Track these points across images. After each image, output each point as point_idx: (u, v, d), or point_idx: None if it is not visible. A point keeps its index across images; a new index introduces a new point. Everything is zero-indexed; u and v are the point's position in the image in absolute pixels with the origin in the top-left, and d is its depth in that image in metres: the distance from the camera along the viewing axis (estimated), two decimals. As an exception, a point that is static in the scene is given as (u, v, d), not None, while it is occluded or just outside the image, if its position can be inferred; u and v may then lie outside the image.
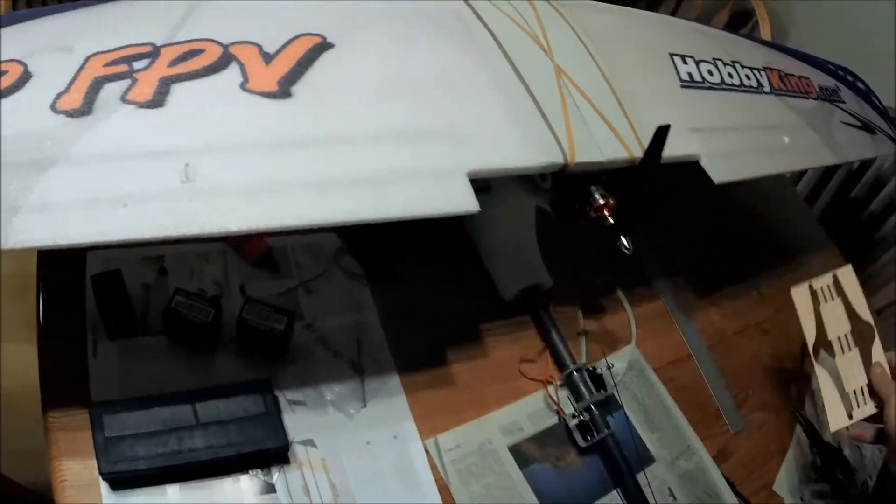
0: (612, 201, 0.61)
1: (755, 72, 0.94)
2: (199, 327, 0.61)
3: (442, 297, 0.75)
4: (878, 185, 1.62)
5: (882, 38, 1.69)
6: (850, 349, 0.78)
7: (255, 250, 0.69)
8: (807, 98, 1.04)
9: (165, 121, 0.49)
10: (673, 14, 1.87)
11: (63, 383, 0.60)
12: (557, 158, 0.59)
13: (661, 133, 0.58)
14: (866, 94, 1.30)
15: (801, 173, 1.69)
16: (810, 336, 0.78)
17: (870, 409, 0.74)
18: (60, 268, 0.64)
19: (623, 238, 0.61)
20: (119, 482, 0.55)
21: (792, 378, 0.93)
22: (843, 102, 1.15)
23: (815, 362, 0.77)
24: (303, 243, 0.73)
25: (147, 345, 0.63)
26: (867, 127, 1.18)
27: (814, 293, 0.80)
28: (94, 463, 0.55)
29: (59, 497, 0.55)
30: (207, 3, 0.58)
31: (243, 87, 0.51)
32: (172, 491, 0.56)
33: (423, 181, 0.53)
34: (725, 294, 0.97)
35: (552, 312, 0.76)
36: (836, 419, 0.74)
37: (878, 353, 0.77)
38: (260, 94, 0.52)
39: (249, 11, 0.58)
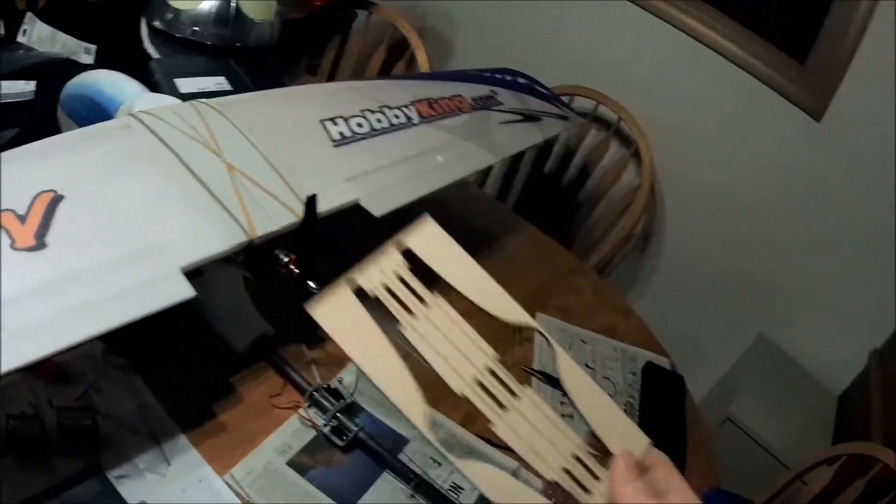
0: (293, 257, 1.02)
1: (403, 109, 1.38)
2: (36, 439, 0.93)
3: (195, 364, 1.11)
4: (567, 158, 2.22)
5: (535, 33, 2.30)
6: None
7: (48, 370, 1.02)
8: (460, 114, 1.51)
9: None
10: (339, 57, 2.39)
11: None
12: (242, 238, 0.97)
13: (311, 201, 0.99)
14: (528, 87, 1.83)
15: (485, 177, 2.26)
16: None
17: None
18: None
19: (309, 283, 1.02)
20: None
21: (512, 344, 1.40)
22: (501, 104, 1.65)
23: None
24: (79, 354, 1.06)
25: (4, 465, 0.93)
26: (530, 117, 1.69)
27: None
28: None
29: None
30: None
31: (13, 247, 0.83)
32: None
33: (148, 287, 0.88)
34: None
35: (282, 353, 1.14)
36: None
37: None
38: (25, 250, 0.84)
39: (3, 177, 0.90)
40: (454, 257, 0.79)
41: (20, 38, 1.56)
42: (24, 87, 1.37)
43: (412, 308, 0.71)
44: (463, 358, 0.71)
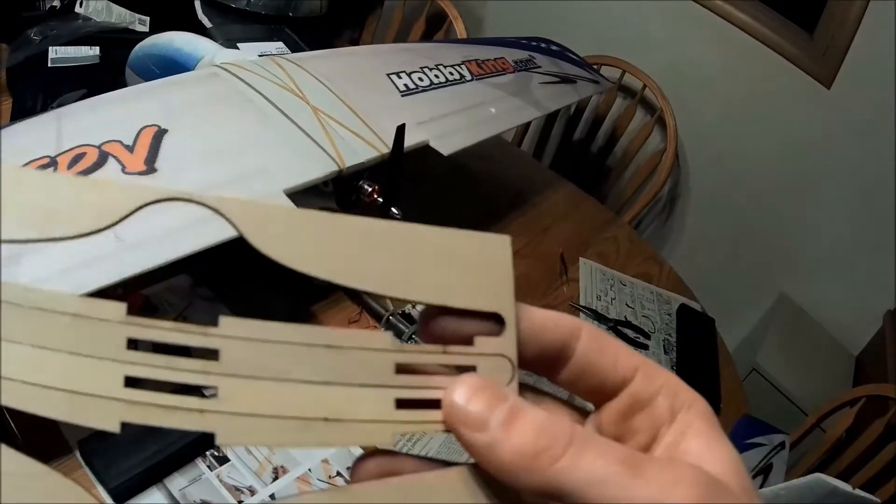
0: (376, 187, 1.15)
1: (455, 67, 1.53)
2: None
3: (278, 294, 1.23)
4: (596, 124, 2.36)
5: (562, 7, 2.45)
6: None
7: (134, 302, 1.16)
8: (504, 74, 1.65)
9: None
10: (377, 28, 2.54)
11: (39, 440, 0.96)
12: (334, 168, 1.11)
13: (400, 130, 1.12)
14: (561, 53, 1.97)
15: (520, 141, 2.40)
16: None
17: None
18: None
19: (392, 209, 1.15)
20: (121, 494, 0.93)
21: (559, 284, 1.54)
22: (539, 67, 1.79)
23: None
24: (167, 286, 1.18)
25: None
26: (566, 79, 1.83)
27: None
28: (95, 492, 0.91)
29: None
30: (67, 116, 1.03)
31: (124, 171, 0.96)
32: (159, 489, 0.96)
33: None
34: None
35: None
36: None
37: None
38: (136, 174, 0.97)
39: (101, 118, 1.03)
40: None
41: (77, 10, 1.68)
42: (88, 52, 1.49)
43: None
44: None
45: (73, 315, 0.28)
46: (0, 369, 0.26)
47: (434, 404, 0.29)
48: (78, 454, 0.96)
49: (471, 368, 0.30)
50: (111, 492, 0.93)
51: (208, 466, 1.01)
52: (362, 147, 1.17)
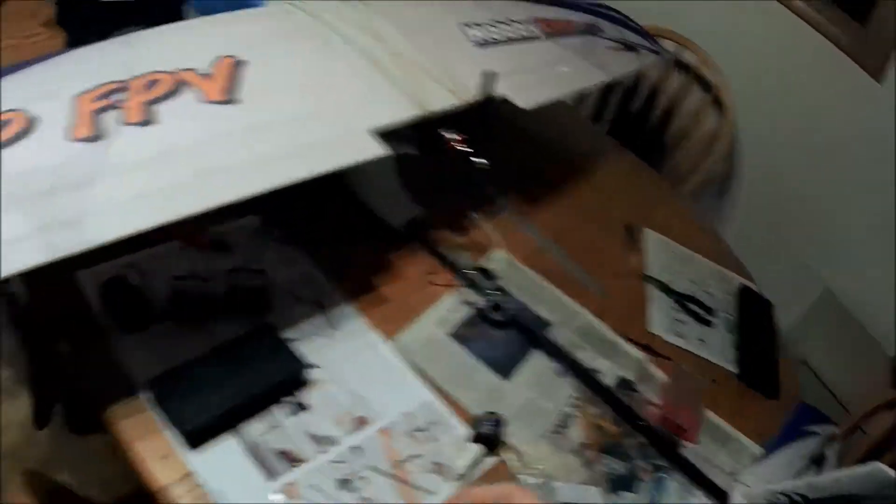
0: (463, 136, 1.11)
1: (527, 24, 1.48)
2: (202, 298, 1.01)
3: (353, 240, 1.20)
4: (652, 98, 2.32)
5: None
6: None
7: (202, 242, 1.10)
8: (573, 35, 1.61)
9: (162, 131, 0.87)
10: None
11: (100, 382, 0.94)
12: (417, 112, 1.06)
13: (489, 78, 1.08)
14: (622, 21, 1.92)
15: (580, 101, 2.36)
16: None
17: None
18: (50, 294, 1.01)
19: (476, 159, 1.11)
20: (196, 437, 0.89)
21: (626, 250, 1.49)
22: (603, 31, 1.74)
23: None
24: (237, 226, 1.15)
25: (159, 331, 0.99)
26: (629, 47, 1.78)
27: None
28: (164, 435, 0.89)
29: (147, 472, 0.87)
30: (135, 43, 0.99)
31: (204, 100, 0.92)
32: (231, 435, 0.92)
33: (339, 142, 0.97)
34: (549, 201, 1.50)
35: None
36: None
37: None
38: (216, 103, 0.92)
39: (172, 46, 1.00)
40: None
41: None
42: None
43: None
44: None
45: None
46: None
47: None
48: (147, 395, 0.93)
49: None
50: (186, 434, 0.90)
51: (288, 414, 0.98)
52: (445, 94, 1.12)
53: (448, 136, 1.11)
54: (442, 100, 1.11)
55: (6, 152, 0.80)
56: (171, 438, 0.90)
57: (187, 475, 0.88)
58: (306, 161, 0.94)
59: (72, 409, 1.66)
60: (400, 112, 1.05)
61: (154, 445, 0.90)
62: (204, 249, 1.11)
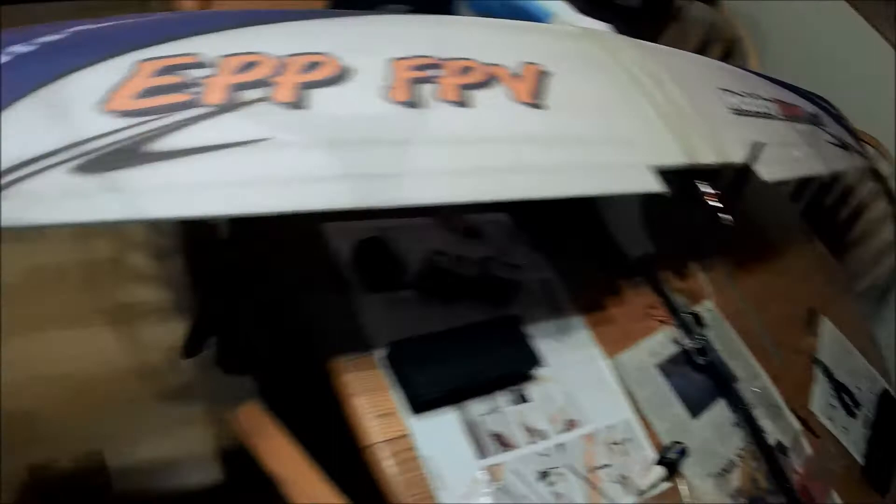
0: (719, 191, 1.22)
1: (769, 102, 1.59)
2: (454, 278, 1.12)
3: (589, 258, 1.33)
4: (845, 195, 2.38)
5: (842, 67, 2.45)
6: None
7: (460, 225, 1.22)
8: (802, 122, 1.70)
9: (477, 116, 0.94)
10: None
11: (337, 334, 1.02)
12: (688, 160, 1.15)
13: (758, 147, 1.20)
14: (837, 118, 2.00)
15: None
16: None
17: None
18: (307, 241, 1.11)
19: (726, 215, 1.21)
20: (422, 406, 0.97)
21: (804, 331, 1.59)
22: (826, 126, 1.83)
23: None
24: (489, 220, 1.27)
25: (404, 297, 1.10)
26: (844, 145, 1.86)
27: None
28: (389, 395, 0.97)
29: (363, 426, 0.94)
30: (442, 24, 1.10)
31: (514, 98, 1.01)
32: (453, 409, 1.01)
33: (625, 171, 1.07)
34: (749, 269, 1.61)
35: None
36: None
37: None
38: (526, 105, 1.02)
39: (477, 39, 1.10)
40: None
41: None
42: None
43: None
44: None
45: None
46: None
47: None
48: (382, 354, 1.02)
49: None
50: (414, 400, 0.99)
51: (509, 402, 1.08)
52: (710, 149, 1.23)
53: (703, 188, 1.21)
54: (707, 154, 1.21)
55: (317, 93, 0.84)
56: (395, 400, 0.99)
57: (402, 437, 0.96)
58: (594, 179, 1.04)
59: (228, 347, 1.79)
60: (671, 155, 1.16)
61: (376, 402, 0.98)
62: (457, 233, 1.23)
